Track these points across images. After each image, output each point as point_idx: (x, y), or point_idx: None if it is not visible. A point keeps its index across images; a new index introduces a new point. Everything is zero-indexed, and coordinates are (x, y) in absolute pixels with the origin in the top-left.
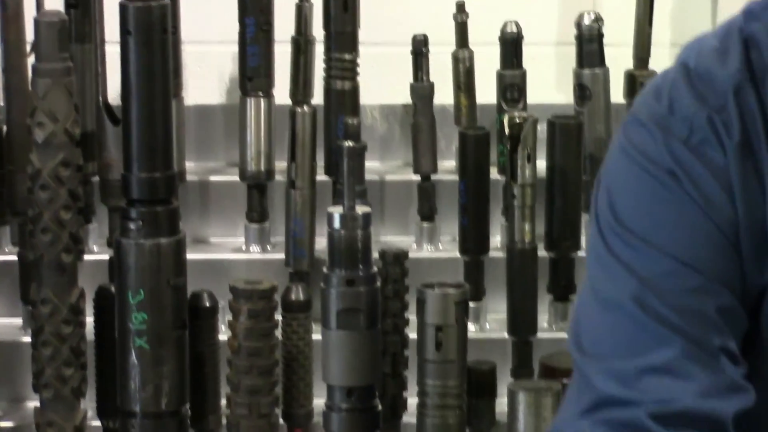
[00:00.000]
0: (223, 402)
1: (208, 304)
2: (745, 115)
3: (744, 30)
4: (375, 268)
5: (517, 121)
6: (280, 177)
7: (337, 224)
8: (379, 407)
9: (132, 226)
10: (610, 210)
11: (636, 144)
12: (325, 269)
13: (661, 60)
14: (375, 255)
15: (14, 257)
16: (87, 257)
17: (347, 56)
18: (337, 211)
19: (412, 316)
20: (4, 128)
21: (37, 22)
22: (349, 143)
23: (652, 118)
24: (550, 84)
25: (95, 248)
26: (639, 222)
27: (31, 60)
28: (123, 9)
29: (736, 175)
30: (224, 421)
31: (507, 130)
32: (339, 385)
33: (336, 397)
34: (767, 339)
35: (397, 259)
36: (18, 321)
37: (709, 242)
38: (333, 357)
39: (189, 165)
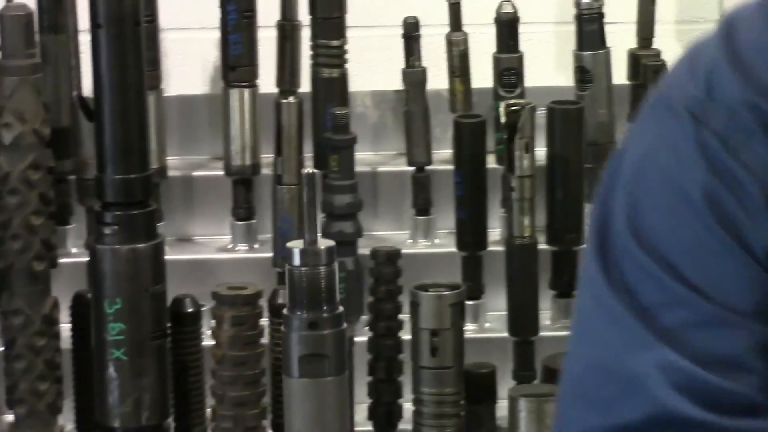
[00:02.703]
0: (208, 413)
1: (190, 310)
2: None
3: None
4: (341, 308)
5: (514, 108)
6: (267, 170)
7: (297, 261)
8: None
9: (107, 230)
10: (630, 227)
11: (666, 140)
12: (285, 311)
13: (666, 39)
14: (366, 251)
15: None
16: (65, 260)
17: (334, 43)
18: (296, 247)
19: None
20: None
21: (1, 16)
22: (308, 170)
23: (686, 103)
24: (549, 66)
25: (74, 250)
26: (666, 246)
27: None
28: (92, 1)
29: None
30: None
31: (503, 119)
32: None
33: None
34: None
35: (389, 258)
36: None
37: (742, 274)
38: (296, 408)
39: (172, 159)
